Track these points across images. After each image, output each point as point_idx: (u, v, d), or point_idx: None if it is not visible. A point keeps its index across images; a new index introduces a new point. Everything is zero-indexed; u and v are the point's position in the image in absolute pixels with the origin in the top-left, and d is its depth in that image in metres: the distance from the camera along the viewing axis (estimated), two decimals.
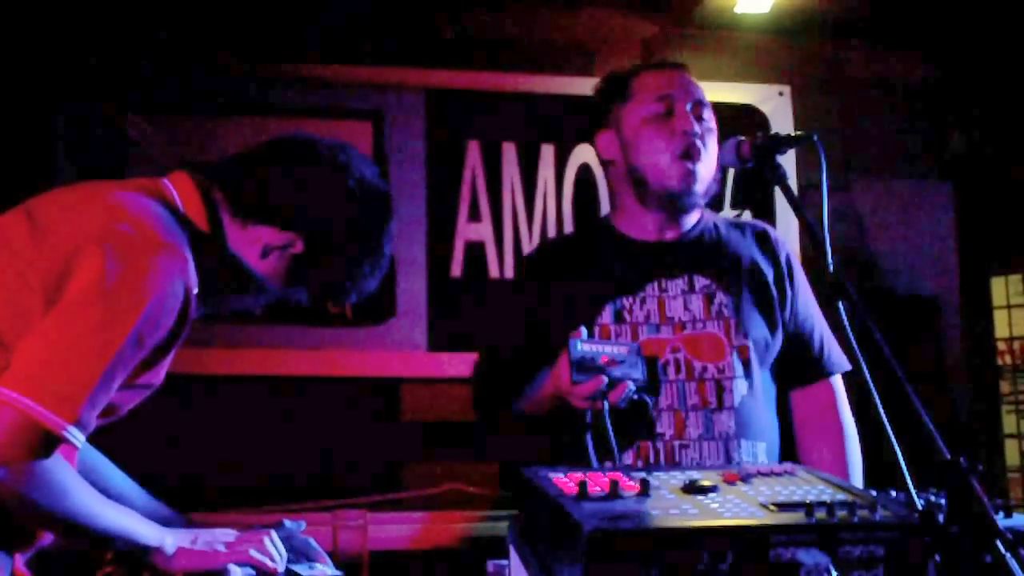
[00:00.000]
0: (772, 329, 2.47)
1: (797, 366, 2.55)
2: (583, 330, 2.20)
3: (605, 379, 2.11)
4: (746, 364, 2.41)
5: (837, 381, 2.58)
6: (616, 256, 2.49)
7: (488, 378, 2.56)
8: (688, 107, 2.43)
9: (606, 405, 2.10)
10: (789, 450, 2.52)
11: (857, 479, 2.47)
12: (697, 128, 2.40)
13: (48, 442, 1.71)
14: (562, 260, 2.57)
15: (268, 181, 2.00)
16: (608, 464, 2.13)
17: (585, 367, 2.12)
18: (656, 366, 2.33)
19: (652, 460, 2.33)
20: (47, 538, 1.94)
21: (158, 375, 1.94)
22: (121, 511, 1.87)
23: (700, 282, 2.44)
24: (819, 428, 2.55)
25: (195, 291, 1.85)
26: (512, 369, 2.45)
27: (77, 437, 1.73)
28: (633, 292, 2.42)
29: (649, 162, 2.43)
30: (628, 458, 2.33)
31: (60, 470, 1.76)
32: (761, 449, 2.40)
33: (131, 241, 1.79)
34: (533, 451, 2.51)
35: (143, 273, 1.76)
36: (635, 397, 2.15)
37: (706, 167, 2.42)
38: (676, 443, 2.35)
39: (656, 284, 2.43)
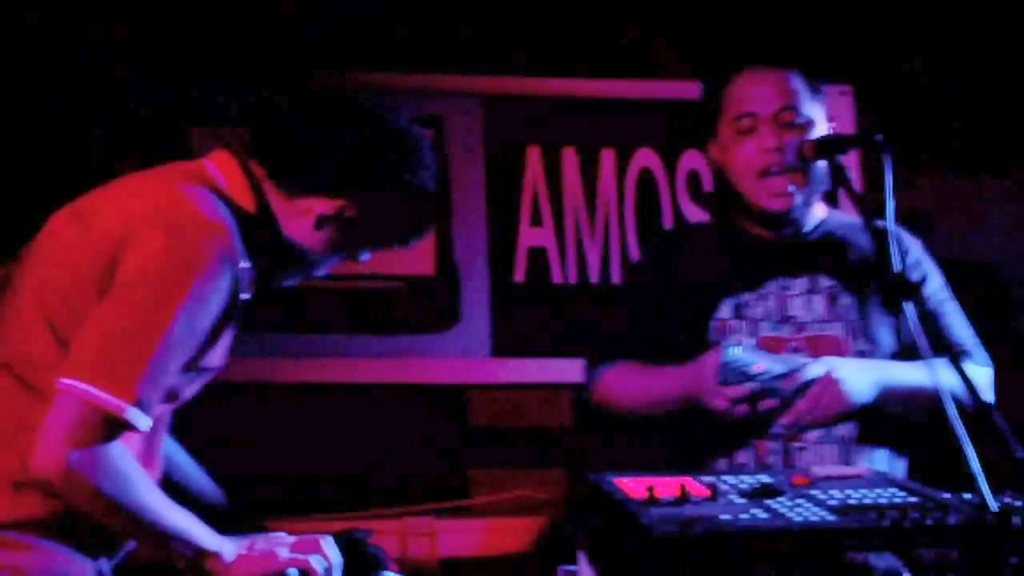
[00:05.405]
0: (896, 335, 2.43)
1: None
2: (744, 340, 2.21)
3: (753, 386, 2.12)
4: None
5: None
6: (737, 251, 2.46)
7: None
8: (772, 116, 2.36)
9: (750, 411, 2.10)
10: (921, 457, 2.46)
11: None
12: (779, 141, 2.33)
13: (111, 426, 1.73)
14: (683, 252, 2.54)
15: (305, 148, 1.94)
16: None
17: (735, 372, 2.12)
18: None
19: (768, 461, 2.29)
20: (129, 544, 1.96)
21: (215, 357, 1.92)
22: (183, 513, 1.86)
23: (824, 283, 2.41)
24: None
25: (244, 266, 1.85)
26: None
27: (139, 419, 1.74)
28: (754, 288, 2.40)
29: (741, 180, 2.40)
30: (744, 458, 2.30)
31: (126, 461, 1.78)
32: (881, 455, 2.36)
33: (175, 222, 1.80)
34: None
35: (188, 252, 1.77)
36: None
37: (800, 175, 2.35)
38: (794, 445, 2.31)
39: (778, 282, 2.41)
